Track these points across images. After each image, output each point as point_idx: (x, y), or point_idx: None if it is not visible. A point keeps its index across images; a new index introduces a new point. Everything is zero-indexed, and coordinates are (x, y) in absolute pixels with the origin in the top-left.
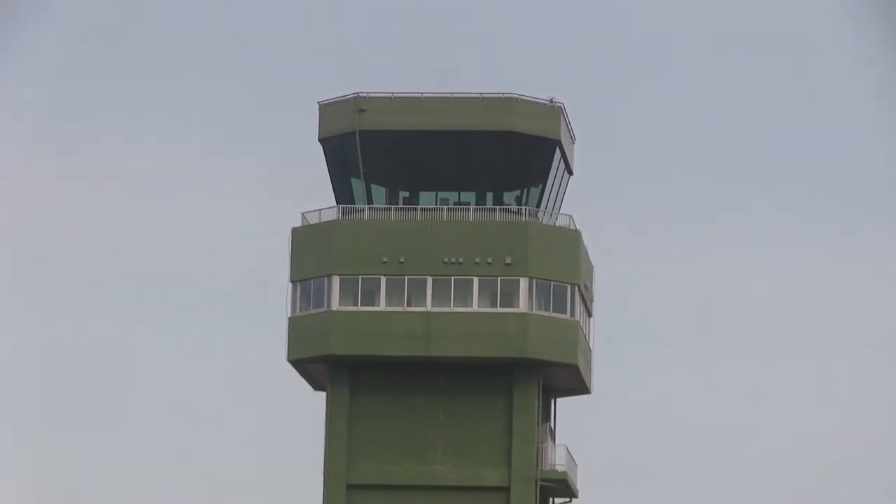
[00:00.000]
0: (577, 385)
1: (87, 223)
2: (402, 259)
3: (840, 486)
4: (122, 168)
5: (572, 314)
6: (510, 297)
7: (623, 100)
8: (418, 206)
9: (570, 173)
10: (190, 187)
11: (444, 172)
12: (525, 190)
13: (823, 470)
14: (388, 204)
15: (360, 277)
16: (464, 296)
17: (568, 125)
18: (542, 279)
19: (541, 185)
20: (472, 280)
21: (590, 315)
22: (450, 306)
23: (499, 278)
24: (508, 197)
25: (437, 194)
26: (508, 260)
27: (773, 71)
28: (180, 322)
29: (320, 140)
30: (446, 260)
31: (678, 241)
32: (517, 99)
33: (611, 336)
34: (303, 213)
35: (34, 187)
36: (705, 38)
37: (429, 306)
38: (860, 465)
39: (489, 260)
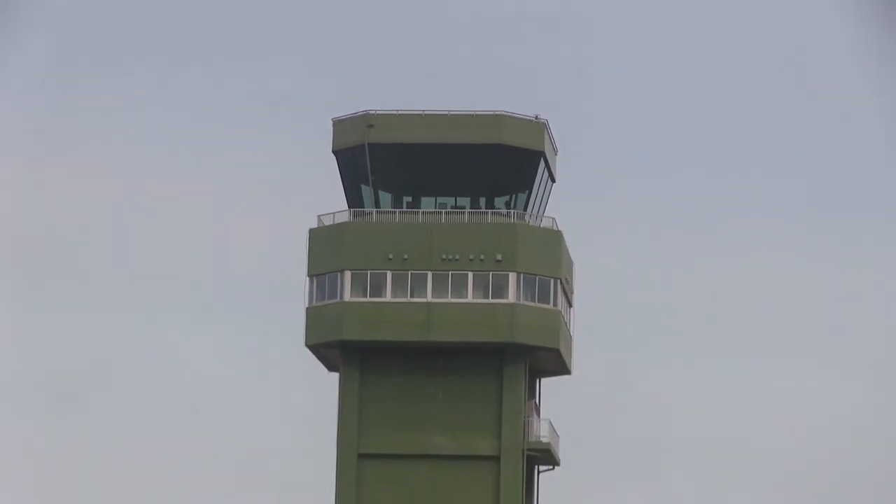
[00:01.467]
0: (559, 367)
1: (126, 224)
2: (405, 256)
3: (799, 459)
4: (164, 176)
5: (555, 304)
6: (500, 290)
7: (600, 116)
8: (420, 210)
9: (553, 181)
10: (219, 194)
11: (442, 180)
12: (513, 196)
13: (778, 438)
14: (394, 208)
15: (368, 272)
16: (460, 288)
17: (551, 139)
18: (529, 273)
19: (527, 192)
20: (467, 274)
21: (570, 305)
22: (447, 297)
23: (490, 273)
24: (499, 202)
25: (436, 199)
26: (499, 257)
27: (741, 81)
28: (211, 311)
29: (334, 152)
30: (444, 257)
31: (649, 241)
32: (506, 116)
33: (589, 323)
34: (318, 216)
35: (66, 185)
36: (676, 57)
37: (429, 297)
38: (823, 441)
39: (482, 257)
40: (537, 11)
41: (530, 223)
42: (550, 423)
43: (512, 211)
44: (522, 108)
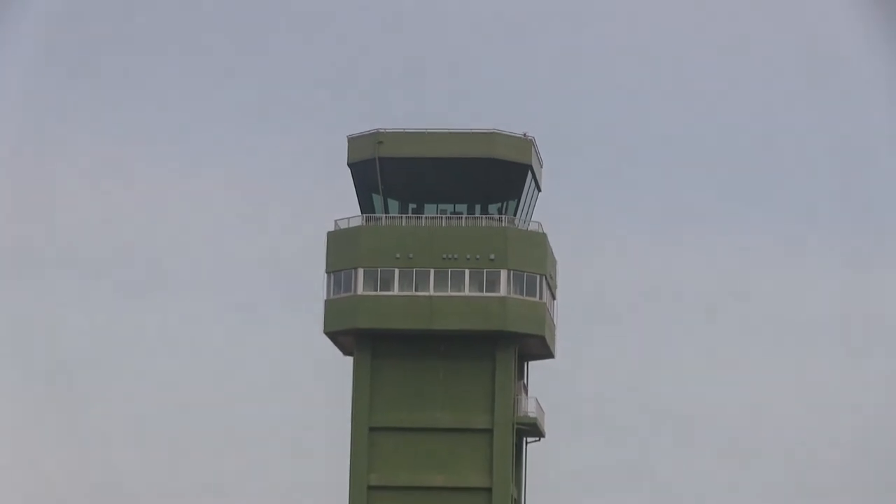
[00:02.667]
0: (545, 351)
1: (168, 227)
2: (410, 255)
3: (765, 438)
4: (199, 187)
5: (541, 297)
6: (493, 284)
7: (581, 134)
8: (423, 215)
9: (539, 190)
10: (249, 202)
11: (443, 189)
12: (504, 203)
13: (736, 414)
14: (401, 213)
15: (378, 269)
16: (458, 283)
17: (537, 153)
18: (518, 271)
19: (516, 199)
20: (464, 272)
21: (554, 298)
22: (447, 291)
23: (485, 270)
24: (492, 208)
25: (437, 206)
26: (492, 256)
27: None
28: (242, 304)
29: (349, 165)
30: (444, 256)
31: (623, 242)
32: (498, 133)
33: (570, 314)
34: (335, 221)
35: (99, 185)
36: (650, 82)
37: (431, 291)
38: (781, 418)
39: (477, 256)
40: (526, 40)
41: (519, 227)
42: (537, 400)
43: (503, 216)
44: (512, 126)
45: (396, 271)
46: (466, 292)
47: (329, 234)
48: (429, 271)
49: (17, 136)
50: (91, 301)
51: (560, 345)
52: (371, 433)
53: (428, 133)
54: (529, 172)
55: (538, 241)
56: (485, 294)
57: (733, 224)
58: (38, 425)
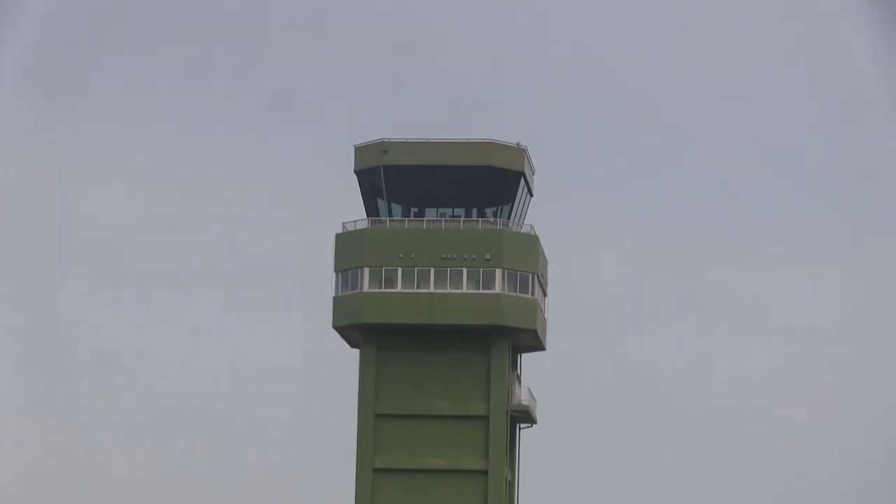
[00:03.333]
0: (536, 344)
1: (188, 229)
2: (413, 255)
3: (748, 421)
4: (215, 194)
5: (533, 294)
6: (489, 282)
7: (570, 144)
8: (424, 219)
9: (531, 195)
10: (263, 207)
11: (442, 195)
12: (499, 207)
13: (714, 401)
14: (403, 217)
15: (383, 268)
16: (456, 281)
17: (530, 161)
18: (512, 269)
19: (510, 204)
20: (462, 270)
21: (545, 295)
22: (447, 289)
23: (481, 269)
24: (488, 212)
25: (437, 210)
26: (488, 256)
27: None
28: (257, 300)
29: (355, 172)
30: (444, 256)
31: (609, 244)
32: (494, 143)
33: (560, 310)
34: (343, 223)
35: (133, 188)
36: (633, 97)
37: (432, 289)
38: (769, 402)
39: (474, 256)
40: (520, 57)
41: (513, 229)
42: (529, 389)
43: (498, 219)
44: (507, 136)
45: (399, 270)
46: (464, 290)
47: (337, 235)
48: (429, 270)
49: (25, 134)
50: (130, 296)
51: (551, 338)
52: (376, 419)
53: (428, 143)
54: (522, 179)
55: (530, 243)
56: (481, 291)
57: (710, 225)
58: (62, 416)
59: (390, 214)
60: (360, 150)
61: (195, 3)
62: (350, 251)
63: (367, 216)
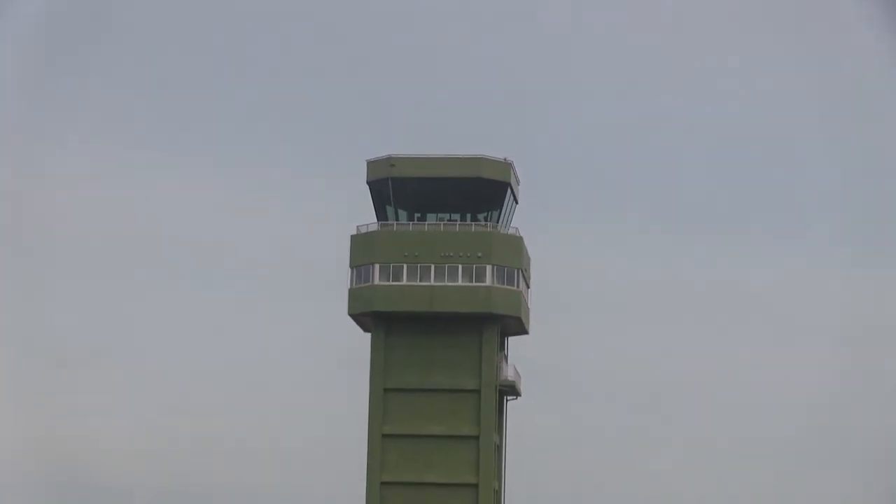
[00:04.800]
0: (521, 329)
1: (227, 230)
2: (416, 253)
3: (711, 396)
4: (257, 204)
5: (518, 286)
6: (481, 276)
7: (550, 160)
8: (426, 222)
9: (517, 202)
10: (288, 214)
11: (441, 202)
12: (489, 212)
13: (681, 376)
14: (408, 221)
15: (391, 265)
16: (453, 275)
17: (515, 174)
18: (500, 265)
19: (498, 210)
20: (458, 266)
21: (528, 287)
22: (445, 282)
23: (474, 265)
24: (480, 217)
25: (437, 215)
26: (480, 254)
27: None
28: (283, 292)
29: (367, 183)
30: (442, 254)
31: (584, 244)
32: (484, 158)
33: (541, 299)
34: (357, 227)
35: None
36: (608, 116)
37: (432, 282)
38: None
39: (468, 254)
40: (513, 77)
41: (501, 231)
42: (514, 367)
43: (488, 223)
44: (496, 152)
45: (405, 266)
46: (459, 282)
47: (352, 237)
48: (430, 266)
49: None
50: (169, 289)
51: (533, 324)
52: (385, 393)
53: (429, 158)
54: (509, 189)
55: (516, 243)
56: (474, 284)
57: (675, 226)
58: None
59: (397, 219)
60: (372, 165)
61: (225, 24)
62: (363, 250)
63: (378, 220)
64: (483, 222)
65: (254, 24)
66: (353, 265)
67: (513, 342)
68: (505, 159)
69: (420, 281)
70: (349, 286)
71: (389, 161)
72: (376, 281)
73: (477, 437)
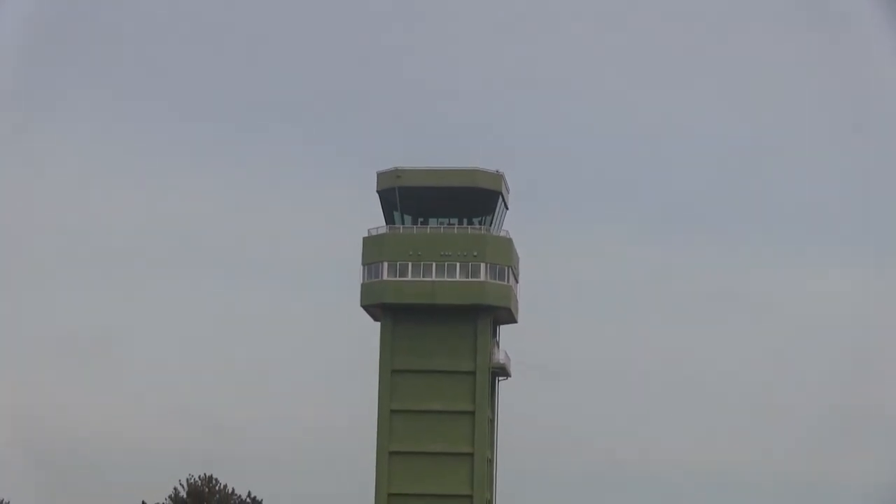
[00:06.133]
0: (510, 318)
1: (259, 236)
2: (419, 253)
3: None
4: (282, 212)
5: (508, 281)
6: (476, 273)
7: (536, 172)
8: (428, 226)
9: (507, 209)
10: (310, 219)
11: (441, 208)
12: (483, 217)
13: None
14: (412, 224)
15: (398, 263)
16: (452, 272)
17: (506, 183)
18: (493, 263)
19: (491, 215)
20: (456, 264)
21: (517, 282)
22: (444, 277)
23: (470, 263)
24: (475, 221)
25: (438, 219)
26: (475, 253)
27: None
28: (304, 286)
29: (377, 191)
30: (442, 254)
31: (564, 244)
32: (479, 170)
33: (528, 293)
34: (368, 229)
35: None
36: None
37: (433, 277)
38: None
39: (465, 253)
40: (504, 97)
41: (493, 234)
42: (505, 352)
43: (482, 227)
44: (489, 164)
45: (410, 264)
46: (457, 278)
47: (364, 238)
48: (431, 264)
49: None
50: (203, 283)
51: (521, 314)
52: (392, 374)
53: (431, 170)
54: (500, 197)
55: (506, 244)
56: (470, 279)
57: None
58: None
59: (403, 222)
60: (381, 176)
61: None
62: (373, 250)
63: (386, 224)
64: (477, 226)
65: (280, 55)
66: (365, 263)
67: (504, 330)
68: (497, 171)
69: (423, 277)
70: (361, 281)
71: (396, 173)
72: (385, 277)
73: (472, 413)
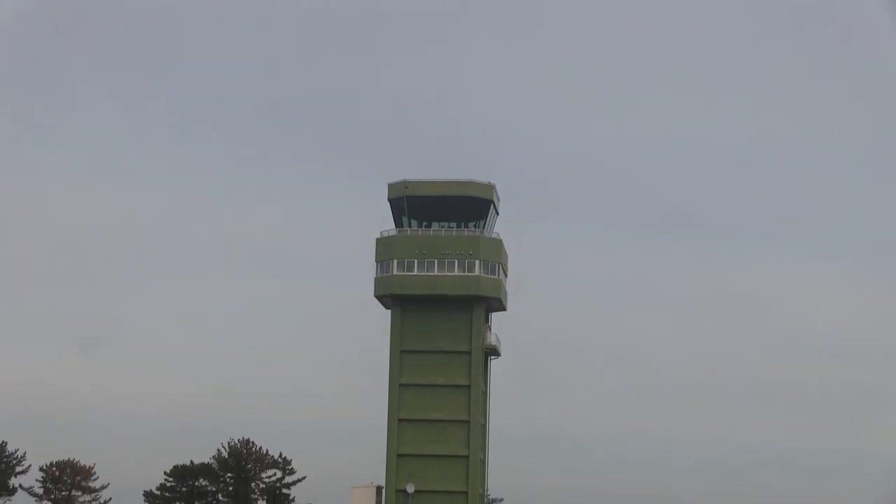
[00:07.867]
0: (500, 307)
1: (282, 240)
2: (424, 251)
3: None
4: (305, 218)
5: (499, 276)
6: (471, 268)
7: (524, 183)
8: (431, 229)
9: (498, 214)
10: (330, 224)
11: (442, 214)
12: (477, 221)
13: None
14: (418, 228)
15: (405, 260)
16: (451, 268)
17: (497, 193)
18: (486, 260)
19: (484, 220)
20: (454, 261)
21: (506, 276)
22: (445, 272)
23: (466, 260)
24: (471, 225)
25: (439, 223)
26: (471, 252)
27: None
28: (325, 281)
29: (388, 199)
30: (443, 252)
31: (549, 243)
32: (473, 181)
33: (515, 284)
34: (380, 232)
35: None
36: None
37: (436, 272)
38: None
39: (462, 252)
40: (496, 116)
41: (486, 235)
42: (496, 335)
43: (476, 230)
44: (482, 176)
45: (416, 261)
46: (455, 273)
47: (377, 239)
48: (434, 261)
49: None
50: (239, 279)
51: (510, 303)
52: (401, 354)
53: (434, 182)
54: (492, 204)
55: (497, 244)
56: (466, 274)
57: (613, 225)
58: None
59: (409, 226)
60: (391, 186)
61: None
62: (384, 249)
63: (395, 227)
64: (473, 229)
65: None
66: (378, 260)
67: (495, 317)
68: (489, 182)
69: (427, 272)
70: (374, 275)
71: (404, 184)
72: (394, 272)
73: (468, 387)
